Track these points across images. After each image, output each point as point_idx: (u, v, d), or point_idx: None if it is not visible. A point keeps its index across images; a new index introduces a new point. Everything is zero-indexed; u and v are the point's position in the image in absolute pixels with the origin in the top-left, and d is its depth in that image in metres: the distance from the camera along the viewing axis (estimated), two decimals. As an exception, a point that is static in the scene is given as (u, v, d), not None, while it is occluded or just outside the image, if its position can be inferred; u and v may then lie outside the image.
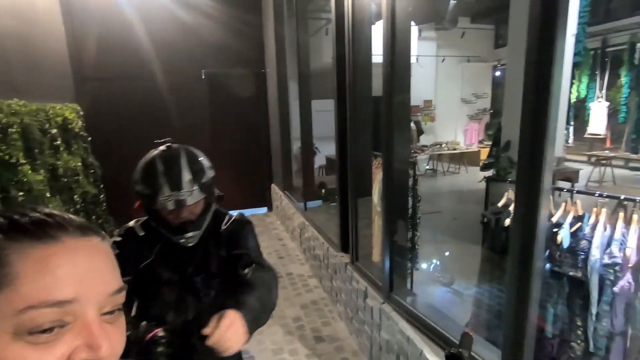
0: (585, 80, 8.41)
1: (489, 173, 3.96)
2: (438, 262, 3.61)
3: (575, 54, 4.91)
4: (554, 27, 1.21)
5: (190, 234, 1.06)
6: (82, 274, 0.36)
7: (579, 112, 8.46)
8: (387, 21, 2.10)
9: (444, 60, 9.61)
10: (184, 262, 1.10)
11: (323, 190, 5.11)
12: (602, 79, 8.17)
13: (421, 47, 8.77)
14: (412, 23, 6.43)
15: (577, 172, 5.11)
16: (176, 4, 5.17)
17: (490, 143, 6.59)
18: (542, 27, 1.23)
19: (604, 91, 8.13)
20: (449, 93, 9.98)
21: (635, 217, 1.52)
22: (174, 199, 0.99)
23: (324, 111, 5.45)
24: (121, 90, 5.12)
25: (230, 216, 1.21)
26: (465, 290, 3.02)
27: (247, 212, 6.16)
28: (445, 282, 3.26)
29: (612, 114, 7.94)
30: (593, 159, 6.95)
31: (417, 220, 3.30)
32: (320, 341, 2.78)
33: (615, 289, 1.44)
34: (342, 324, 2.98)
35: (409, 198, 3.03)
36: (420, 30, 8.63)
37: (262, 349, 2.69)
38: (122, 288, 0.40)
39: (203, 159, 1.09)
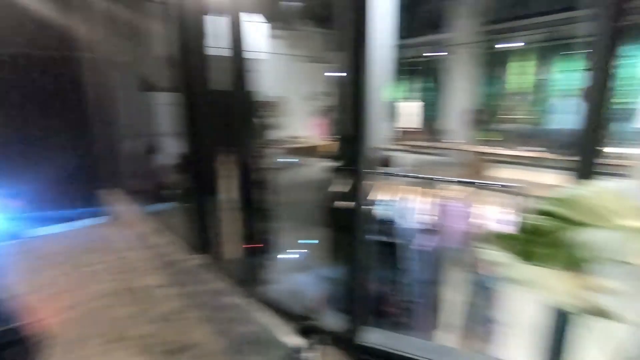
0: (401, 83, 10.43)
1: (333, 163, 4.45)
2: (297, 249, 3.84)
3: (394, 62, 6.00)
4: (364, 39, 1.45)
5: None
6: None
7: (396, 110, 10.45)
8: (232, 14, 2.08)
9: (292, 58, 10.16)
10: None
11: (171, 191, 4.70)
12: (411, 83, 10.29)
13: (271, 44, 9.04)
14: (261, 19, 6.53)
15: (396, 158, 6.26)
16: None
17: (333, 136, 7.42)
18: (356, 40, 1.46)
19: (413, 92, 10.28)
20: (298, 90, 10.64)
21: (429, 190, 1.98)
22: None
23: (166, 104, 4.99)
24: None
25: None
26: (319, 271, 3.32)
27: (75, 225, 5.14)
28: (304, 266, 3.51)
29: (420, 111, 10.13)
30: (408, 148, 8.64)
31: (270, 212, 3.43)
32: (179, 352, 2.58)
33: (417, 248, 1.85)
34: (202, 328, 2.85)
35: (264, 191, 3.12)
36: (268, 28, 8.87)
37: (105, 381, 2.32)
38: None
39: None
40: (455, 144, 8.06)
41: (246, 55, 2.20)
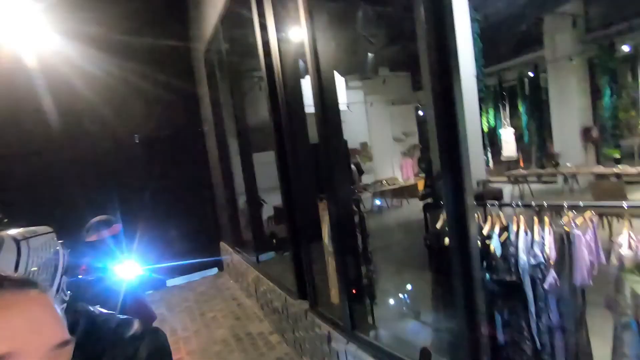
0: (491, 111, 9.77)
1: (428, 201, 4.29)
2: (398, 293, 3.67)
3: (479, 91, 5.74)
4: (450, 73, 1.46)
5: None
6: (17, 327, 0.35)
7: (492, 139, 9.71)
8: (314, 75, 2.32)
9: (372, 104, 10.50)
10: None
11: (274, 240, 5.05)
12: (504, 109, 9.55)
13: (350, 95, 9.56)
14: (338, 75, 7.04)
15: (500, 190, 5.71)
16: (93, 69, 4.91)
17: (424, 175, 7.19)
18: (440, 74, 1.48)
19: (508, 119, 9.48)
20: (381, 134, 10.80)
21: (546, 219, 1.76)
22: None
23: (266, 163, 5.57)
24: (30, 167, 4.79)
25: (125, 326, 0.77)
26: (425, 315, 3.09)
27: (197, 276, 5.83)
28: (406, 310, 3.31)
29: (519, 137, 9.20)
30: (512, 178, 7.80)
31: (369, 256, 3.40)
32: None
33: (545, 285, 1.62)
34: (311, 376, 2.85)
35: (358, 235, 3.15)
36: (346, 81, 9.48)
37: None
38: (66, 341, 0.39)
39: (38, 239, 0.74)
40: (570, 168, 7.03)
41: (334, 108, 2.39)
